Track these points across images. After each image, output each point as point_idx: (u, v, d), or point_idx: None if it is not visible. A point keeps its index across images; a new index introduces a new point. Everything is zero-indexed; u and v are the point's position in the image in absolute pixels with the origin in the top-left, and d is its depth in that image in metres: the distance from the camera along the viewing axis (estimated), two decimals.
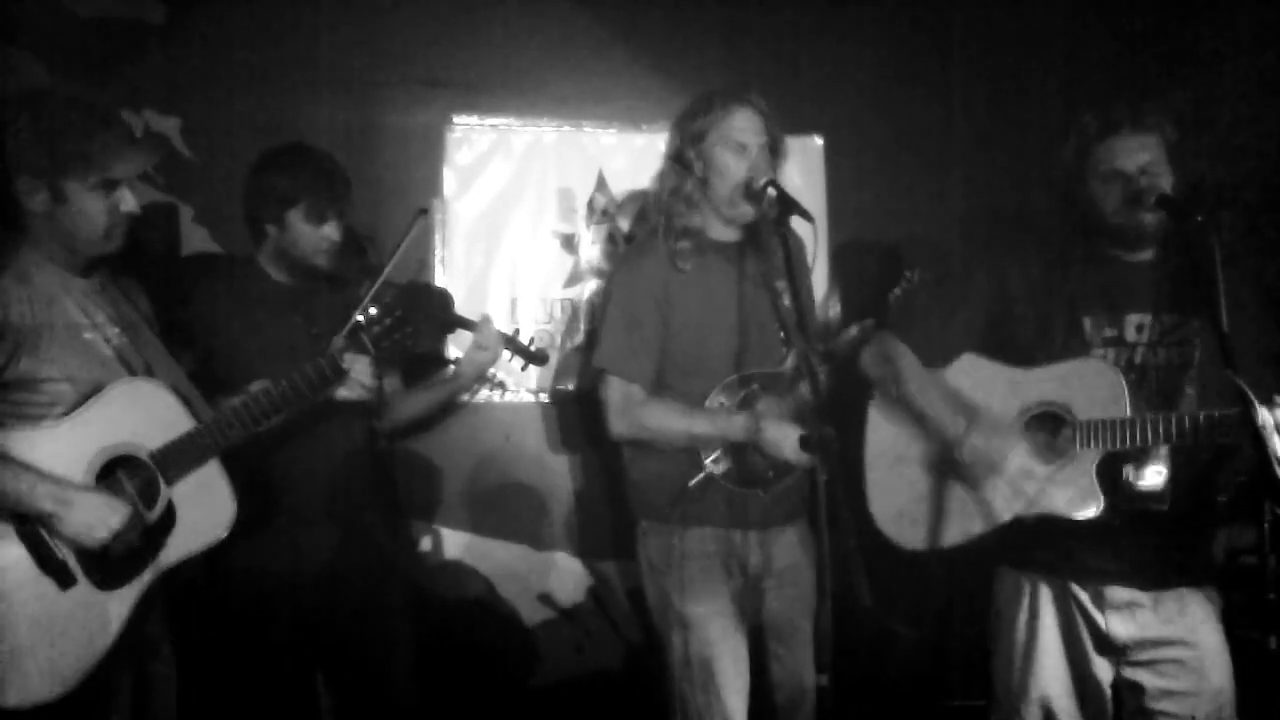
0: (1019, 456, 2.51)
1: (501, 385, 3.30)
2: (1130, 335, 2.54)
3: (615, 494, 3.61)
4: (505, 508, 3.66)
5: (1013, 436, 2.53)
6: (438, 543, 3.61)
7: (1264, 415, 2.14)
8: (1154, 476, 2.44)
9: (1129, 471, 2.45)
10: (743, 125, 2.76)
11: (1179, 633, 2.48)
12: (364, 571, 2.94)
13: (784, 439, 2.68)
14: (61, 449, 2.20)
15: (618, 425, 2.84)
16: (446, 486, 3.62)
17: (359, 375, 2.58)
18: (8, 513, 2.16)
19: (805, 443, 2.73)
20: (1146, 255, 2.59)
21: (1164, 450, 2.43)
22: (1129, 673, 2.53)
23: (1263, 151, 3.32)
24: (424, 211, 3.02)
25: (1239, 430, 2.21)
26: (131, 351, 2.36)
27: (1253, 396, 2.13)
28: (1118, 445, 2.41)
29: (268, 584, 2.80)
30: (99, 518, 2.17)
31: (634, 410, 2.82)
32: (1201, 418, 2.34)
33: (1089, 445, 2.44)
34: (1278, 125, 3.32)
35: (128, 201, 2.33)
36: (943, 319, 2.75)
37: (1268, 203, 3.31)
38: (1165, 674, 2.49)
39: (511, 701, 3.62)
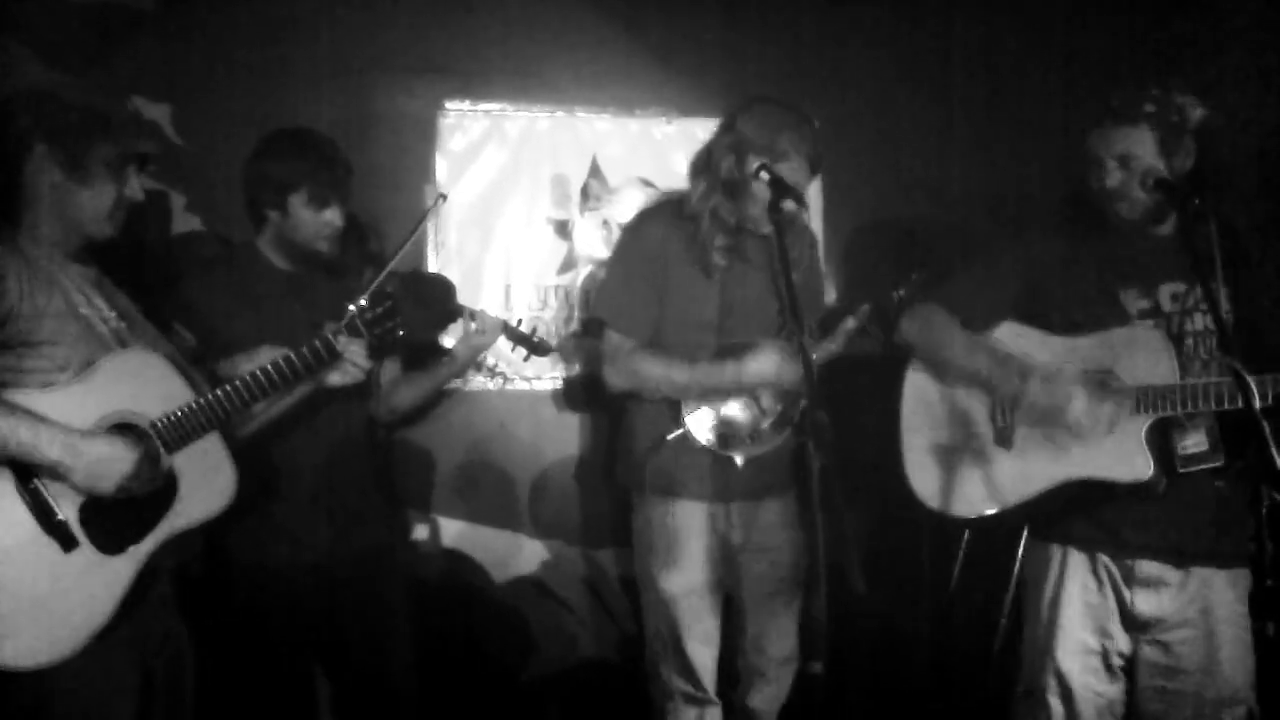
0: (1081, 401, 2.48)
1: (502, 376, 3.27)
2: (1166, 305, 2.56)
3: (612, 480, 3.63)
4: (500, 496, 3.66)
5: (1073, 382, 2.51)
6: (434, 531, 3.60)
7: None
8: (1199, 437, 2.47)
9: (1176, 437, 2.47)
10: (794, 171, 2.82)
11: (1199, 614, 2.51)
12: (361, 562, 2.93)
13: (767, 362, 2.82)
14: (61, 415, 2.17)
15: (611, 375, 2.99)
16: (440, 474, 3.62)
17: (352, 357, 2.56)
18: (9, 464, 2.13)
19: (799, 428, 2.85)
20: (1168, 229, 2.60)
21: (1205, 418, 2.45)
22: (1146, 649, 2.56)
23: (1262, 146, 3.33)
24: (443, 197, 3.04)
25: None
26: (128, 334, 2.34)
27: (1249, 379, 2.13)
28: (1170, 410, 2.43)
29: (265, 575, 2.80)
30: (107, 463, 2.15)
31: (624, 359, 2.95)
32: (1253, 381, 2.31)
33: (1140, 411, 2.45)
34: (1275, 116, 3.33)
35: (133, 186, 2.34)
36: (977, 289, 2.75)
37: (1264, 192, 3.32)
38: (1181, 653, 2.52)
39: (506, 691, 3.61)
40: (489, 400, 3.62)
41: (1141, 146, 2.51)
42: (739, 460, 2.91)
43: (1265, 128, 3.34)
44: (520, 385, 3.62)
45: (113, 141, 2.28)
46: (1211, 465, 2.47)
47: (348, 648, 2.94)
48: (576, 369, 3.67)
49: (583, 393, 3.66)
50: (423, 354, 3.32)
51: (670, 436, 2.90)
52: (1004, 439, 2.61)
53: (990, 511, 2.61)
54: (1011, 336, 2.67)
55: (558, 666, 3.68)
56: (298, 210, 2.83)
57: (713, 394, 2.92)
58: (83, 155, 2.25)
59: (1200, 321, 2.54)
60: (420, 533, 3.59)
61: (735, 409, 2.93)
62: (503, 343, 3.14)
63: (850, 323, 2.98)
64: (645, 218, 3.11)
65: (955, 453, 2.68)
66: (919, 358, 2.79)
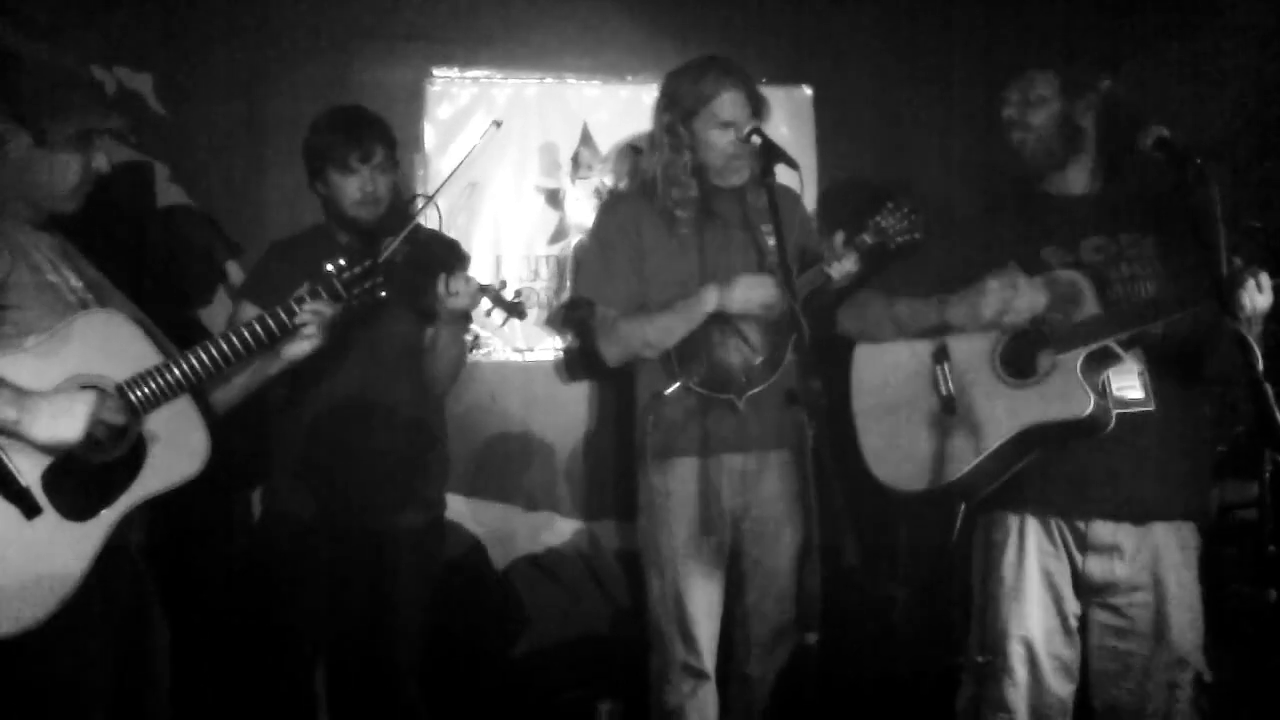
0: (1032, 291, 2.52)
1: (475, 339, 3.28)
2: (1088, 257, 2.59)
3: (605, 453, 3.64)
4: (492, 469, 3.63)
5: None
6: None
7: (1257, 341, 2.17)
8: (1130, 381, 2.50)
9: (1108, 379, 2.50)
10: (730, 104, 2.92)
11: (1150, 577, 2.51)
12: (417, 532, 3.03)
13: (752, 286, 2.89)
14: (25, 378, 2.12)
15: (605, 348, 3.07)
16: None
17: (309, 329, 2.46)
18: None
19: (790, 397, 2.85)
20: (1083, 188, 2.66)
21: (1136, 355, 2.50)
22: (1098, 612, 2.57)
23: (1263, 114, 3.33)
24: (497, 124, 3.05)
25: (1199, 307, 2.30)
26: (95, 303, 2.30)
27: (1253, 343, 2.10)
28: (1091, 341, 2.46)
29: (314, 534, 2.92)
30: (66, 412, 2.10)
31: (612, 328, 3.03)
32: (1165, 297, 2.41)
33: (1066, 349, 2.48)
34: (1271, 84, 3.32)
35: (99, 160, 2.30)
36: (906, 272, 2.83)
37: (1257, 155, 3.32)
38: (1132, 615, 2.53)
39: (498, 666, 3.60)
40: (481, 373, 3.59)
41: (1045, 82, 2.61)
42: (739, 403, 2.94)
43: (1262, 97, 3.32)
44: (513, 357, 3.58)
45: (77, 117, 2.25)
46: (1143, 410, 2.49)
47: (362, 619, 3.00)
48: (572, 340, 3.63)
49: (583, 363, 3.63)
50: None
51: (668, 391, 2.91)
52: (949, 406, 2.60)
53: (954, 477, 2.59)
54: None
55: (551, 641, 3.66)
56: (333, 179, 2.92)
57: (701, 339, 2.95)
58: (47, 129, 2.21)
59: (1126, 269, 2.56)
60: None
61: (727, 351, 2.98)
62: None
63: (838, 237, 3.01)
64: (616, 197, 3.29)
65: (908, 430, 2.69)
66: (861, 339, 2.83)
